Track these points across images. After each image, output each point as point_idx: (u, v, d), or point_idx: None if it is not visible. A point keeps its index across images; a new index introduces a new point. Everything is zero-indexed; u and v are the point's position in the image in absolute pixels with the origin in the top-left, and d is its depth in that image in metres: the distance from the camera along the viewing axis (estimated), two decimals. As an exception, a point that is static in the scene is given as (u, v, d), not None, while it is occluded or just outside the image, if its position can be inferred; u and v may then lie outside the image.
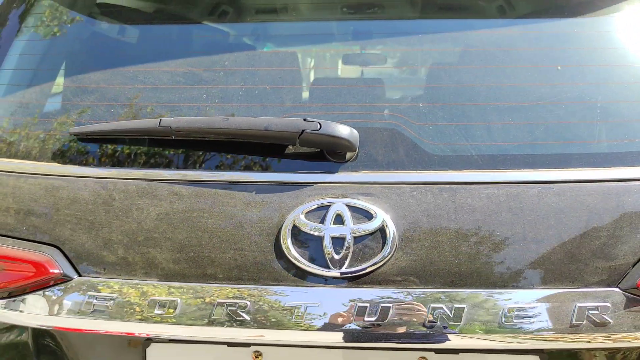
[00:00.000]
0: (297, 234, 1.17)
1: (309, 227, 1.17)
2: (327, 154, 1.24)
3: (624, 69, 1.30)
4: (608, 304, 1.11)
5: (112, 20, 1.67)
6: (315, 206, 1.18)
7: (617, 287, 1.13)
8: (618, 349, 1.15)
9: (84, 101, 1.41)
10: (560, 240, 1.14)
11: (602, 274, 1.13)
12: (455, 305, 1.12)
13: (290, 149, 1.26)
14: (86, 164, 1.32)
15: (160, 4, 1.67)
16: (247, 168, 1.26)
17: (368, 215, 1.17)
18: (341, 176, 1.22)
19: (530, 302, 1.12)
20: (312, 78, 1.39)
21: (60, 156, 1.34)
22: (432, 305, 1.12)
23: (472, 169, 1.21)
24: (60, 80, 1.48)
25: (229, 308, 1.15)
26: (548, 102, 1.27)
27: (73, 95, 1.43)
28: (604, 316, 1.10)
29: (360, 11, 1.47)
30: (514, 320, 1.11)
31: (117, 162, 1.31)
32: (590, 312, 1.10)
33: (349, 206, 1.17)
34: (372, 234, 1.16)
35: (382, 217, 1.16)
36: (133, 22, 1.67)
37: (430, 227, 1.16)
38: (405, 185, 1.20)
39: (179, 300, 1.17)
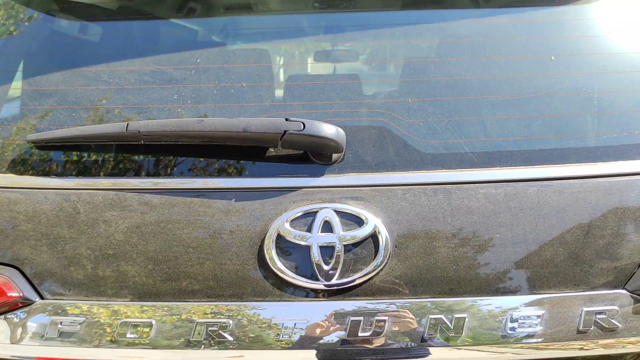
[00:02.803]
0: (282, 244, 1.08)
1: (295, 236, 1.07)
2: (312, 155, 1.15)
3: (622, 57, 1.24)
4: (616, 307, 1.05)
5: (72, 18, 1.54)
6: (301, 213, 1.09)
7: (623, 288, 1.07)
8: (628, 355, 1.08)
9: (42, 105, 1.29)
10: (562, 241, 1.07)
11: (608, 275, 1.07)
12: (455, 316, 1.04)
13: (272, 151, 1.16)
14: (46, 174, 1.19)
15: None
16: (225, 174, 1.15)
17: (358, 221, 1.08)
18: (328, 179, 1.13)
19: (535, 308, 1.05)
20: (291, 75, 1.30)
21: (17, 166, 1.21)
22: (431, 316, 1.04)
23: (467, 168, 1.13)
24: (16, 83, 1.35)
25: (209, 328, 1.05)
26: (543, 94, 1.20)
27: (30, 99, 1.30)
28: (612, 320, 1.04)
29: (342, 5, 1.37)
30: (518, 330, 1.03)
31: (81, 171, 1.19)
32: (598, 316, 1.04)
33: (337, 212, 1.08)
34: (363, 241, 1.07)
35: (374, 222, 1.07)
36: (95, 19, 1.54)
37: (426, 232, 1.08)
38: (396, 187, 1.12)
39: (153, 322, 1.07)
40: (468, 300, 1.05)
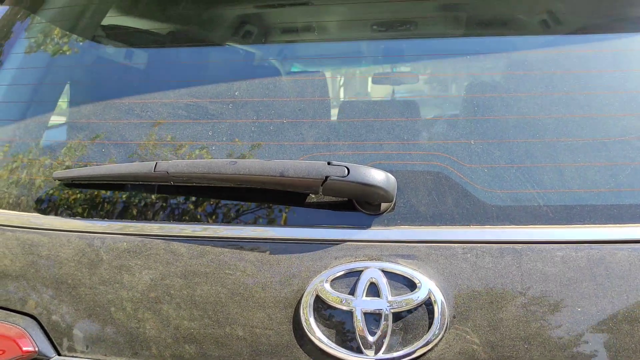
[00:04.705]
0: (321, 308, 0.94)
1: (336, 299, 0.93)
2: (358, 204, 1.01)
3: None
4: None
5: (116, 44, 1.48)
6: (344, 272, 0.95)
7: None
8: None
9: (72, 139, 1.22)
10: (661, 319, 0.88)
11: None
12: (527, 406, 0.86)
13: (312, 198, 1.03)
14: (71, 215, 1.11)
15: (176, 24, 1.46)
16: (259, 222, 1.03)
17: (410, 284, 0.93)
18: (375, 232, 0.98)
19: (626, 402, 0.86)
20: (338, 111, 1.17)
21: (42, 205, 1.14)
22: (497, 406, 0.87)
23: (541, 224, 0.96)
24: (47, 115, 1.29)
25: (236, 402, 0.92)
26: (634, 137, 1.01)
27: (59, 132, 1.23)
28: None
29: (395, 29, 1.23)
30: None
31: (107, 213, 1.10)
32: None
33: (385, 272, 0.94)
34: (415, 308, 0.92)
35: (428, 286, 0.92)
36: (137, 46, 1.47)
37: (490, 301, 0.91)
38: (455, 244, 0.96)
39: (174, 390, 0.95)
40: (542, 387, 0.87)
